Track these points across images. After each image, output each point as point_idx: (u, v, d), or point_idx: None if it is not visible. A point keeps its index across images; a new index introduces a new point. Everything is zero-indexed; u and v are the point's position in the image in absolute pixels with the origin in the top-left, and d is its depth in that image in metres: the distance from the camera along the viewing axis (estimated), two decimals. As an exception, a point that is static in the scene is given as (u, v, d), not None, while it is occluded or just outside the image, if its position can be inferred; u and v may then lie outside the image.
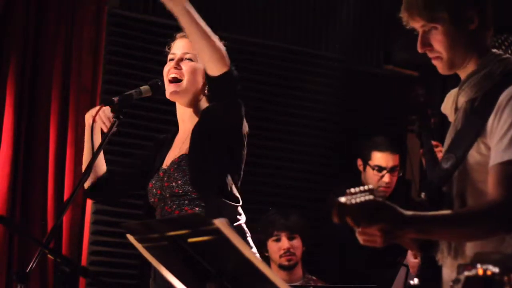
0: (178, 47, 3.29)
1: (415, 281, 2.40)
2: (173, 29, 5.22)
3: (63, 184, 4.69)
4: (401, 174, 4.87)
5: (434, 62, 2.48)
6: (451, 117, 2.54)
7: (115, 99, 3.13)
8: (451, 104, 2.53)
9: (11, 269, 4.53)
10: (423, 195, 2.44)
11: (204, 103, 3.25)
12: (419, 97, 4.62)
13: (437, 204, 2.41)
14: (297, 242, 4.59)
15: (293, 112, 5.65)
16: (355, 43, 5.96)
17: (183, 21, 2.98)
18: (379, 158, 4.78)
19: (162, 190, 3.17)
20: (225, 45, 3.16)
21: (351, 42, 5.93)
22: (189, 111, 3.26)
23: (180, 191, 3.10)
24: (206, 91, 3.23)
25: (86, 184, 3.37)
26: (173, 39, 3.36)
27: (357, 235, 2.20)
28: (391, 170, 4.76)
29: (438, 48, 2.44)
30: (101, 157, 3.38)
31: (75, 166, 4.71)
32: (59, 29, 4.80)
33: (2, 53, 4.66)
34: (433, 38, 2.43)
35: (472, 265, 2.00)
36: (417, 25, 2.46)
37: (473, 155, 2.38)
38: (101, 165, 3.40)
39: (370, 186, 2.14)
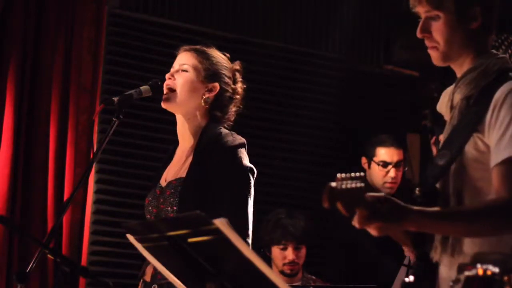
0: (179, 59, 3.25)
1: (410, 278, 2.38)
2: (172, 29, 5.26)
3: (63, 184, 4.69)
4: (406, 169, 4.86)
5: (430, 51, 2.49)
6: (446, 116, 2.54)
7: (115, 99, 3.13)
8: (447, 102, 2.53)
9: (11, 269, 4.53)
10: (417, 190, 2.44)
11: (203, 119, 3.18)
12: (433, 92, 4.61)
13: (432, 200, 2.41)
14: (302, 252, 4.57)
15: (293, 112, 5.65)
16: (355, 43, 5.96)
17: None
18: (384, 153, 4.76)
19: (157, 210, 3.12)
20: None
21: (351, 42, 5.93)
22: (188, 126, 3.19)
23: None
24: (204, 105, 3.17)
25: None
26: (177, 52, 3.30)
27: (353, 222, 2.23)
28: (397, 165, 4.74)
29: (437, 37, 2.45)
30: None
31: (75, 166, 4.71)
32: (59, 29, 4.80)
33: (2, 53, 4.66)
34: (434, 26, 2.45)
35: (472, 265, 2.00)
36: (422, 10, 2.46)
37: (470, 152, 2.38)
38: None
39: (362, 173, 2.18)
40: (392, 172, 4.71)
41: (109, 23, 5.01)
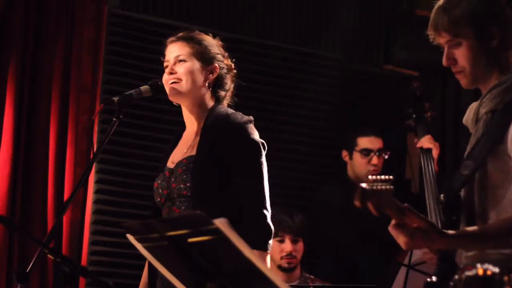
0: (170, 52, 3.28)
1: (433, 278, 2.42)
2: (173, 29, 5.24)
3: (63, 184, 4.69)
4: (386, 157, 4.89)
5: (458, 77, 2.59)
6: (472, 129, 2.62)
7: (115, 99, 3.14)
8: (472, 116, 2.61)
9: (11, 269, 4.53)
10: (442, 196, 2.52)
11: (209, 101, 3.25)
12: (416, 91, 4.64)
13: (455, 207, 2.51)
14: (299, 246, 4.58)
15: (293, 112, 5.65)
16: (355, 43, 5.96)
17: None
18: (366, 142, 4.84)
19: (169, 190, 3.15)
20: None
21: (351, 42, 5.94)
22: (196, 111, 3.25)
23: (189, 193, 3.10)
24: (208, 88, 3.23)
25: None
26: (165, 46, 3.33)
27: (390, 228, 2.31)
28: (379, 152, 4.80)
29: (462, 63, 2.54)
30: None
31: (75, 166, 4.71)
32: (59, 29, 4.80)
33: (2, 53, 4.66)
34: (458, 53, 2.55)
35: (472, 265, 2.00)
36: (442, 40, 2.57)
37: (493, 162, 2.46)
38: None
39: (391, 176, 2.25)
40: (374, 159, 4.80)
41: (109, 23, 5.01)
